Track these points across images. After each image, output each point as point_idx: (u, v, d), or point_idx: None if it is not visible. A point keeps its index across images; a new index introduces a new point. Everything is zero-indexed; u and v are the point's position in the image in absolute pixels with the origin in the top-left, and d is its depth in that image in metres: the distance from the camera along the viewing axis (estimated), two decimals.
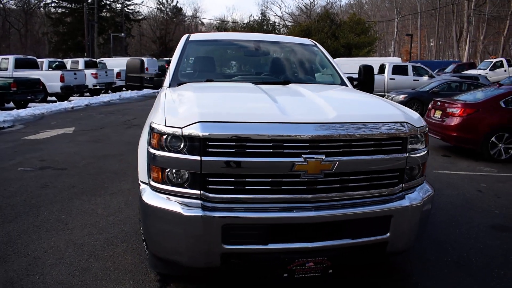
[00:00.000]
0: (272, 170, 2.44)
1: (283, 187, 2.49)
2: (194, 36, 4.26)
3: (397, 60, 27.29)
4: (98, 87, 20.21)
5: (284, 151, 2.43)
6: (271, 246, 2.49)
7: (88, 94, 20.35)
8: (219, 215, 2.40)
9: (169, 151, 2.46)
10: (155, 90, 21.57)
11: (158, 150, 2.50)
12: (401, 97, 14.93)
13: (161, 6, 65.96)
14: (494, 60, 29.49)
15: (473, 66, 31.99)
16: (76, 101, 17.23)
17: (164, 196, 2.55)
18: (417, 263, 3.62)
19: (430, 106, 9.47)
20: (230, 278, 3.17)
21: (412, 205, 2.73)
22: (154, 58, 30.08)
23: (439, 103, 9.00)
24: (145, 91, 24.15)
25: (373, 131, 2.58)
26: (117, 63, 24.82)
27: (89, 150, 8.01)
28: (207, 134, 2.36)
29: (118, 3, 52.72)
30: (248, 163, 2.40)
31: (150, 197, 2.56)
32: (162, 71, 29.90)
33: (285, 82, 3.69)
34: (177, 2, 71.58)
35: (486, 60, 32.88)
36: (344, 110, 2.67)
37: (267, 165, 2.42)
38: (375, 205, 2.65)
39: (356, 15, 48.05)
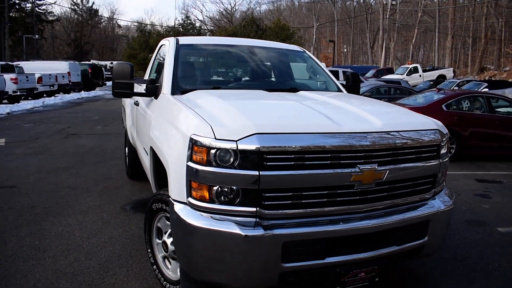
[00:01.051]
0: (329, 182, 2.35)
1: (337, 199, 2.41)
2: (185, 40, 4.00)
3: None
4: (18, 93, 18.33)
5: (341, 161, 2.36)
6: (328, 260, 2.39)
7: (6, 101, 18.39)
8: (280, 233, 2.25)
9: (219, 166, 2.25)
10: (79, 96, 20.25)
11: (204, 165, 2.27)
12: None
13: (75, 6, 62.25)
14: (410, 66, 32.14)
15: (391, 71, 34.50)
16: None
17: (208, 215, 2.33)
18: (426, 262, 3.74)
19: None
20: None
21: (446, 208, 2.81)
22: (76, 62, 28.16)
23: None
24: (70, 97, 22.55)
25: (415, 139, 2.62)
26: (34, 67, 22.78)
27: (33, 164, 7.20)
28: (267, 146, 2.20)
29: (28, 3, 48.63)
30: (307, 176, 2.28)
31: (196, 218, 2.31)
32: (85, 75, 28.18)
33: (293, 90, 3.61)
34: (93, 3, 67.99)
35: (403, 66, 35.73)
36: (385, 118, 2.66)
37: (325, 177, 2.33)
38: (417, 210, 2.68)
39: (280, 21, 49.38)
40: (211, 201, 2.31)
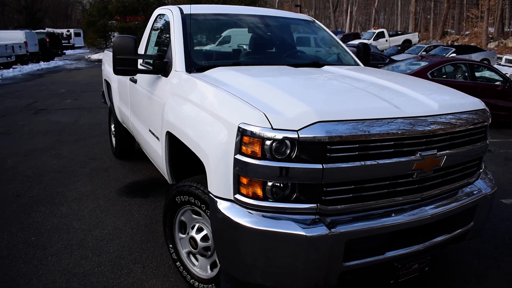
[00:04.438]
0: (392, 172, 2.14)
1: (397, 189, 2.21)
2: (189, 9, 3.57)
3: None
4: None
5: (404, 149, 2.15)
6: (388, 254, 2.22)
7: None
8: (345, 230, 2.03)
9: (274, 159, 1.98)
10: (39, 67, 19.03)
11: (257, 159, 2.00)
12: None
13: None
14: (377, 31, 32.19)
15: (357, 36, 34.48)
16: None
17: (259, 213, 2.08)
18: None
19: None
20: None
21: (492, 191, 2.70)
22: (33, 31, 26.20)
23: None
24: (29, 69, 21.07)
25: (469, 120, 2.44)
26: None
27: (6, 146, 6.60)
28: (330, 136, 1.94)
29: None
30: (371, 166, 2.06)
31: (247, 218, 2.05)
32: (42, 45, 26.40)
33: (317, 64, 3.33)
34: None
35: (369, 31, 35.75)
36: (439, 99, 2.45)
37: (389, 167, 2.11)
38: (468, 195, 2.55)
39: None
40: (264, 198, 2.05)
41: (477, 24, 38.03)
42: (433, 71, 8.86)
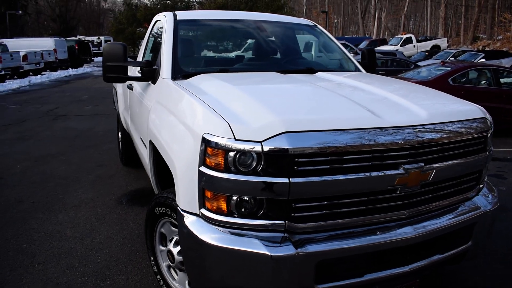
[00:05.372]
0: (370, 187, 1.97)
1: (378, 205, 2.03)
2: (184, 15, 3.50)
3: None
4: (3, 72, 17.48)
5: (384, 162, 1.97)
6: (367, 277, 2.03)
7: None
8: (314, 250, 1.87)
9: (239, 172, 1.85)
10: (67, 74, 19.54)
11: (221, 171, 1.87)
12: None
13: None
14: (404, 36, 31.53)
15: (384, 42, 33.87)
16: None
17: (225, 230, 1.95)
18: None
19: None
20: None
21: (493, 208, 2.46)
22: (62, 39, 27.06)
23: None
24: (57, 75, 21.72)
25: (464, 131, 2.23)
26: (18, 45, 21.82)
27: (20, 151, 6.73)
28: (299, 148, 1.80)
29: None
30: (345, 181, 1.89)
31: (211, 235, 1.92)
32: (72, 52, 27.27)
33: (310, 70, 3.18)
34: None
35: (396, 36, 35.06)
36: (429, 108, 2.26)
37: (366, 182, 1.94)
38: (463, 213, 2.33)
39: None
40: (229, 213, 1.92)
41: (510, 29, 36.65)
42: (454, 77, 8.50)
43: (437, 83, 8.41)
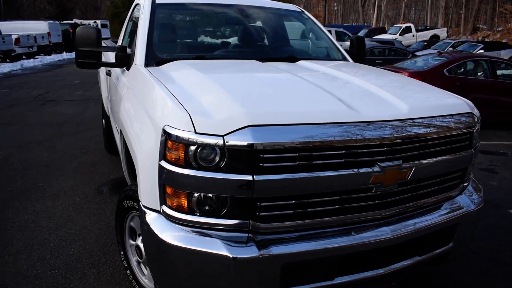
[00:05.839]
0: (342, 186, 1.84)
1: (352, 205, 1.91)
2: None
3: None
4: None
5: (358, 159, 1.84)
6: (338, 280, 1.92)
7: None
8: (279, 253, 1.75)
9: (200, 168, 1.72)
10: (60, 57, 19.24)
11: (181, 167, 1.74)
12: None
13: None
14: (404, 26, 31.16)
15: (383, 31, 33.49)
16: None
17: (187, 229, 1.82)
18: None
19: None
20: None
21: (476, 208, 2.35)
22: (57, 22, 26.63)
23: None
24: (50, 59, 21.42)
25: (447, 127, 2.10)
26: (12, 28, 21.46)
27: (4, 137, 6.58)
28: (264, 143, 1.66)
29: None
30: (315, 179, 1.77)
31: (172, 234, 1.80)
32: (66, 36, 26.89)
33: (292, 59, 3.03)
34: None
35: (395, 25, 34.69)
36: (411, 101, 2.12)
37: (337, 180, 1.81)
38: (444, 213, 2.21)
39: None
40: (190, 211, 1.79)
41: (510, 20, 36.28)
42: (450, 68, 8.33)
43: (433, 74, 8.26)
